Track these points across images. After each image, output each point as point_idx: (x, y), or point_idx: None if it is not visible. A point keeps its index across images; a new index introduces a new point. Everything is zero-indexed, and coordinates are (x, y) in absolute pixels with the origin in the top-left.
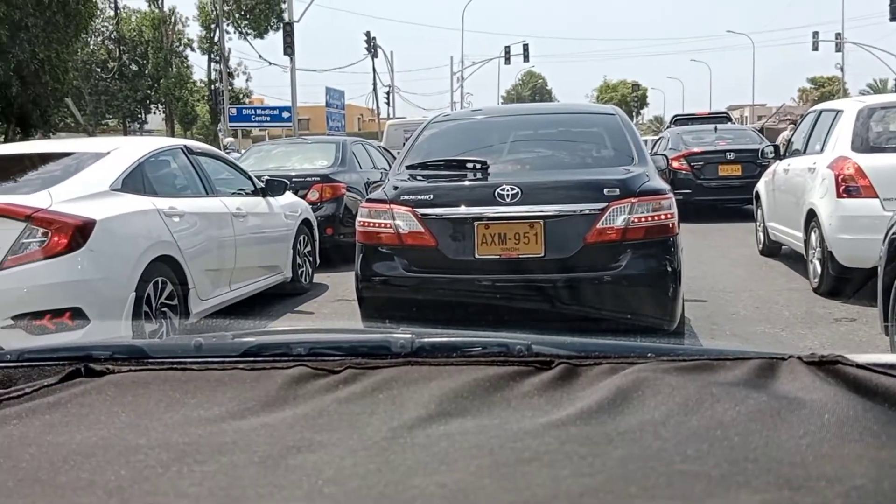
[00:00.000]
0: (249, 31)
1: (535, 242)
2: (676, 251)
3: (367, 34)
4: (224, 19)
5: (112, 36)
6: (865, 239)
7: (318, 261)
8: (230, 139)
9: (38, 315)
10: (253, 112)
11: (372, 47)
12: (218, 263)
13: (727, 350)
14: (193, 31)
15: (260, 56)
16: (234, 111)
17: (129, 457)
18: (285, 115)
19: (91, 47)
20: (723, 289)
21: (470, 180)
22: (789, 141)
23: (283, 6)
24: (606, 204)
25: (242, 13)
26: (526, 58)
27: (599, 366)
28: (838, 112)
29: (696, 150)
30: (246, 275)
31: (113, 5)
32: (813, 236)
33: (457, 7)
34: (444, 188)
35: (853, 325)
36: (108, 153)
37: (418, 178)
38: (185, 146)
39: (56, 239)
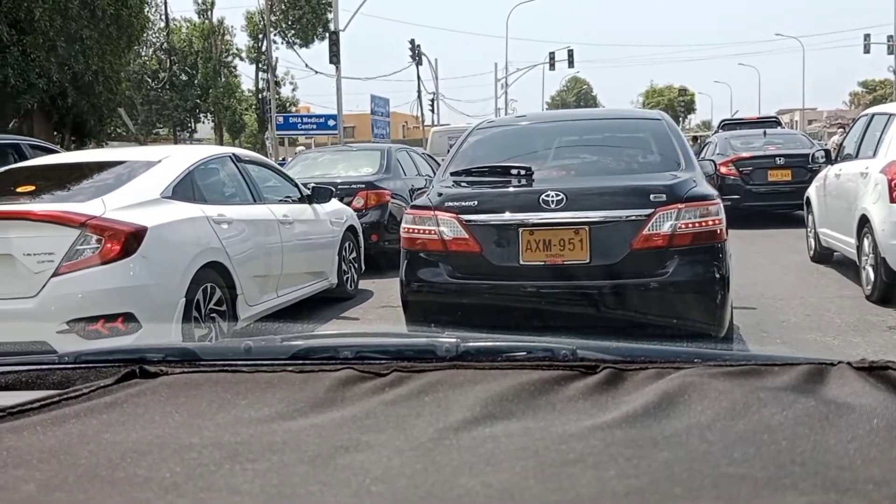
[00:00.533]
0: (296, 41)
1: (580, 249)
2: (725, 257)
3: (412, 42)
4: (271, 29)
5: (163, 47)
6: None
7: (363, 267)
8: (301, 147)
9: (92, 320)
10: (299, 120)
11: (416, 55)
12: (265, 270)
13: (775, 356)
14: (241, 41)
15: (306, 65)
16: (280, 119)
17: (184, 455)
18: (331, 122)
19: (143, 58)
20: (773, 296)
21: (514, 186)
22: (840, 145)
23: (330, 16)
24: (653, 210)
25: (290, 23)
26: (571, 63)
27: (645, 370)
28: (891, 116)
29: (744, 155)
30: (292, 281)
31: (164, 17)
32: (865, 242)
33: (501, 14)
34: (488, 194)
35: None
36: (159, 162)
37: (462, 184)
38: (233, 154)
39: (109, 245)
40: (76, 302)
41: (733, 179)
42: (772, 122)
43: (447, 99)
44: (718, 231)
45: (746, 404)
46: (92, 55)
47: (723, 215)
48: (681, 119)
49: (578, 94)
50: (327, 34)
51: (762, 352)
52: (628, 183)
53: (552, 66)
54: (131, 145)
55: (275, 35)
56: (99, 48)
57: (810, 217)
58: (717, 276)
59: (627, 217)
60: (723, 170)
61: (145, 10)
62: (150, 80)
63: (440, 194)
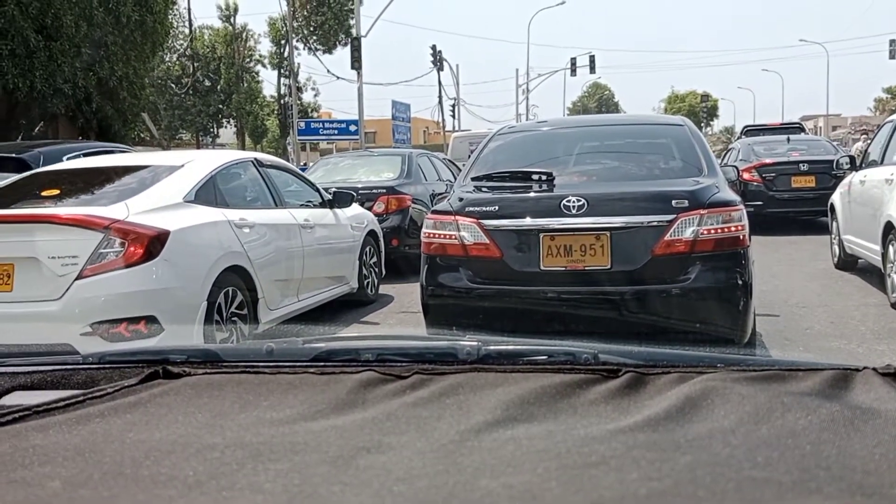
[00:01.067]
0: (318, 47)
1: (601, 254)
2: (747, 264)
3: (433, 48)
4: (294, 35)
5: (186, 53)
6: None
7: (383, 272)
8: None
9: (115, 322)
10: (321, 125)
11: (438, 60)
12: (286, 274)
13: (799, 361)
14: (264, 47)
15: (328, 70)
16: (302, 125)
17: (206, 454)
18: (352, 128)
19: (166, 64)
20: (796, 303)
21: (535, 192)
22: (865, 152)
23: (352, 22)
24: (675, 216)
25: (312, 29)
26: (592, 69)
27: (667, 375)
28: None
29: (767, 161)
30: (313, 285)
31: (187, 23)
32: (891, 249)
33: (522, 20)
34: (509, 200)
35: None
36: (182, 166)
37: (483, 189)
38: (255, 159)
39: (132, 249)
40: (99, 304)
41: (756, 185)
42: (795, 128)
43: (468, 104)
44: (741, 237)
45: (770, 409)
46: (116, 61)
47: (745, 221)
48: (703, 125)
49: (600, 100)
50: (349, 40)
51: (785, 357)
52: (650, 189)
53: (573, 72)
54: (155, 150)
55: (297, 41)
56: (123, 54)
57: (834, 224)
58: (740, 282)
59: (649, 223)
60: (746, 176)
61: (169, 17)
62: (173, 86)
63: (461, 199)
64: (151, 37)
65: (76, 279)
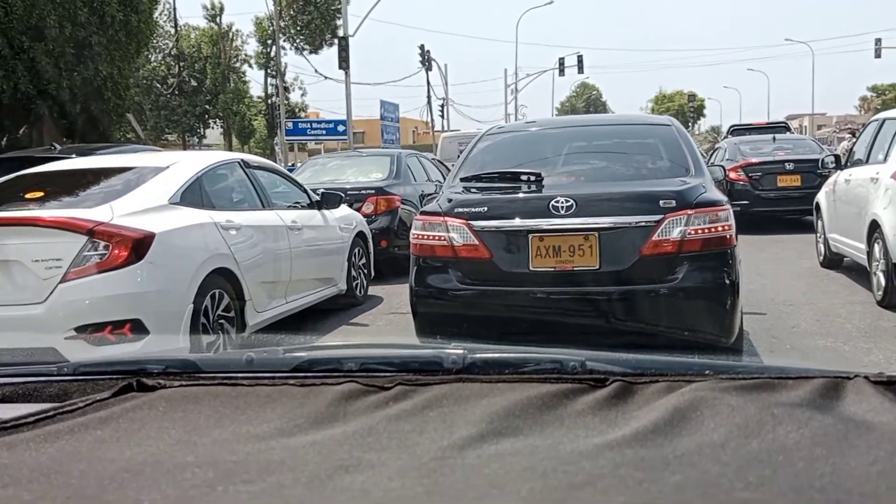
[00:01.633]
0: (305, 47)
1: (590, 255)
2: (734, 263)
3: (422, 47)
4: (280, 35)
5: (172, 52)
6: None
7: (372, 273)
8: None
9: (99, 326)
10: (309, 126)
11: (426, 60)
12: (274, 276)
13: (789, 368)
14: (251, 47)
15: (315, 70)
16: (290, 125)
17: (177, 475)
18: (340, 128)
19: (152, 64)
20: (783, 301)
21: (524, 192)
22: (850, 151)
23: (339, 21)
24: (662, 216)
25: (298, 29)
26: (580, 69)
27: (656, 384)
28: None
29: (753, 160)
30: (301, 287)
31: (173, 23)
32: (876, 248)
33: (510, 20)
34: (498, 200)
35: None
36: (167, 167)
37: (472, 190)
38: (241, 160)
39: (116, 252)
40: (83, 308)
41: (743, 185)
42: (781, 127)
43: (457, 104)
44: (728, 237)
45: (760, 421)
46: (101, 61)
47: (732, 221)
48: (690, 124)
49: (588, 100)
50: (336, 39)
51: (774, 363)
52: (638, 189)
53: (562, 72)
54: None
55: (284, 41)
56: (108, 54)
57: (820, 222)
58: (727, 281)
59: (637, 223)
60: (732, 175)
61: (154, 16)
62: (159, 86)
63: (450, 200)
64: (136, 36)
65: (60, 282)
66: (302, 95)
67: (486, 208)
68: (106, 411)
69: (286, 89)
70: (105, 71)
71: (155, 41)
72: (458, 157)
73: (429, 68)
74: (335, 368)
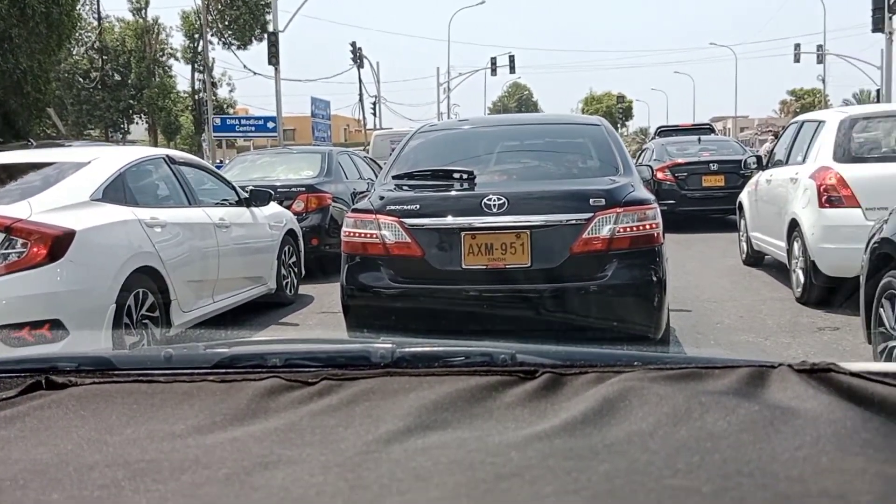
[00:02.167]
0: (233, 42)
1: (521, 252)
2: (661, 261)
3: (353, 44)
4: (208, 30)
5: (95, 45)
6: (848, 248)
7: (303, 272)
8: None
9: (17, 327)
10: (237, 122)
11: (358, 57)
12: (201, 274)
13: (715, 358)
14: (177, 41)
15: (244, 66)
16: (218, 121)
17: (84, 474)
18: (270, 125)
19: (74, 57)
20: (707, 298)
21: (456, 190)
22: (771, 152)
23: (269, 17)
24: (592, 214)
25: (226, 23)
26: (512, 69)
27: (585, 375)
28: (820, 122)
29: (680, 161)
30: (229, 286)
31: (96, 15)
32: (796, 246)
33: (443, 18)
34: (430, 198)
35: (837, 335)
36: (89, 163)
37: (404, 188)
38: (167, 156)
39: (35, 250)
40: (1, 308)
41: (669, 185)
42: (706, 129)
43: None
44: (655, 235)
45: (688, 409)
46: (21, 54)
47: (660, 219)
48: (619, 125)
49: (520, 100)
50: (265, 35)
51: (701, 354)
52: (568, 187)
53: (494, 72)
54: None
55: (211, 35)
56: (28, 46)
57: (742, 221)
58: (655, 278)
59: (567, 221)
60: (659, 175)
61: (77, 8)
62: (81, 80)
63: (382, 198)
64: (58, 29)
65: None
66: (230, 91)
67: (418, 206)
68: (11, 410)
69: (214, 85)
70: (25, 64)
71: (77, 34)
72: (391, 154)
73: (361, 66)
74: (258, 364)
